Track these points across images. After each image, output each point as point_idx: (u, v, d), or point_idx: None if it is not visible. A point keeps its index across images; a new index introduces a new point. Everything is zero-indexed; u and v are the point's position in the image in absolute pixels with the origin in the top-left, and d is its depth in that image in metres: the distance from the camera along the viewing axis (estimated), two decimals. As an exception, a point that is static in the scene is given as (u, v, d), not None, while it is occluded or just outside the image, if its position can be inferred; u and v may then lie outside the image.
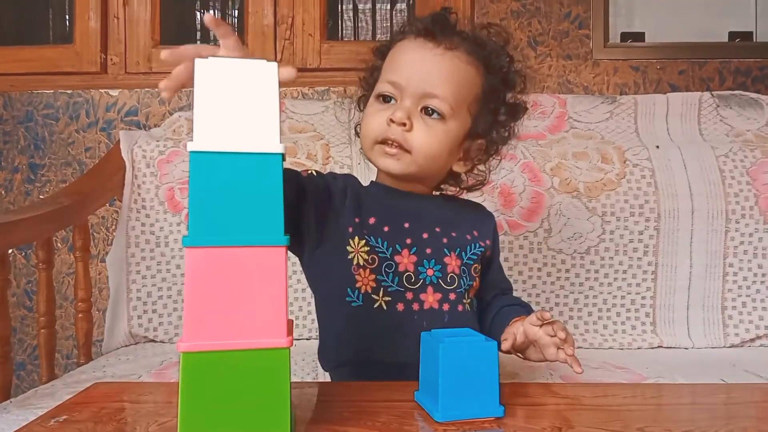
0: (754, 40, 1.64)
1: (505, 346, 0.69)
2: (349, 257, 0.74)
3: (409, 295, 0.74)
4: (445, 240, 0.77)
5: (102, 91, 1.56)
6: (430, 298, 0.75)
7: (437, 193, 0.85)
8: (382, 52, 0.81)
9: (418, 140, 0.73)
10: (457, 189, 0.85)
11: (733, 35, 1.63)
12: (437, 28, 0.74)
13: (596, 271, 1.24)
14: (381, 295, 0.73)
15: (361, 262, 0.74)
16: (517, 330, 0.70)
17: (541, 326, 0.68)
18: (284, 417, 0.46)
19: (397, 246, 0.75)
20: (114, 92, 1.56)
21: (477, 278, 0.80)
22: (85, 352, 1.15)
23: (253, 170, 0.47)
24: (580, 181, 1.27)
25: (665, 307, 1.24)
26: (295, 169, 0.74)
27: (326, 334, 0.79)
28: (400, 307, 0.74)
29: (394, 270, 0.74)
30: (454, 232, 0.78)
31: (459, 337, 0.58)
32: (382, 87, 0.75)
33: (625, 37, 1.64)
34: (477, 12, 1.56)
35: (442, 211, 0.80)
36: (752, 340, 1.22)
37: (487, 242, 0.81)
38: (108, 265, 1.24)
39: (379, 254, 0.74)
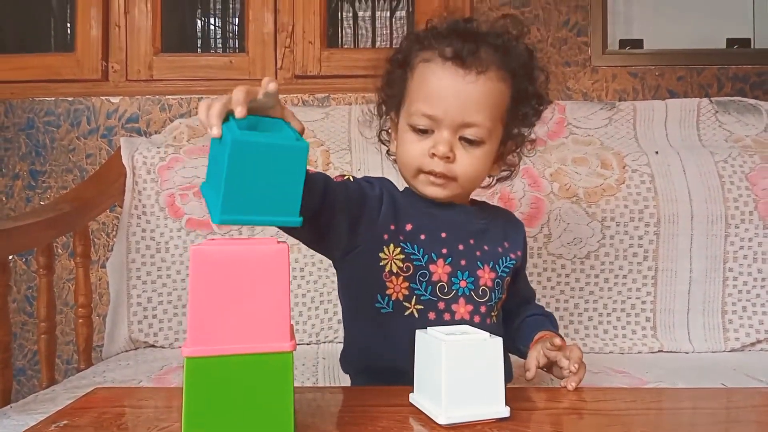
0: (752, 46, 1.65)
1: (529, 376, 0.73)
2: (381, 264, 0.74)
3: (441, 305, 0.75)
4: (478, 253, 0.78)
5: (103, 98, 1.56)
6: (462, 309, 0.75)
7: (470, 200, 0.85)
8: (398, 61, 0.79)
9: (461, 169, 0.74)
10: (491, 181, 0.85)
11: (731, 42, 1.64)
12: (466, 51, 0.72)
13: (596, 276, 1.24)
14: (413, 303, 0.74)
15: (395, 270, 0.74)
16: (539, 355, 0.74)
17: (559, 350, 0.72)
18: (288, 421, 0.46)
19: (433, 255, 0.75)
20: (115, 99, 1.56)
21: (506, 291, 0.81)
22: (86, 358, 1.15)
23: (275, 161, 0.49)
24: (579, 187, 1.27)
25: (665, 312, 1.24)
26: (326, 174, 0.70)
27: (352, 339, 0.80)
28: (431, 316, 0.74)
29: (428, 279, 0.74)
30: (486, 245, 0.79)
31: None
32: (417, 120, 0.74)
33: (623, 44, 1.65)
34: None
35: (476, 223, 0.81)
36: (753, 344, 1.22)
37: (518, 253, 0.82)
38: (108, 270, 1.24)
39: (414, 262, 0.74)
